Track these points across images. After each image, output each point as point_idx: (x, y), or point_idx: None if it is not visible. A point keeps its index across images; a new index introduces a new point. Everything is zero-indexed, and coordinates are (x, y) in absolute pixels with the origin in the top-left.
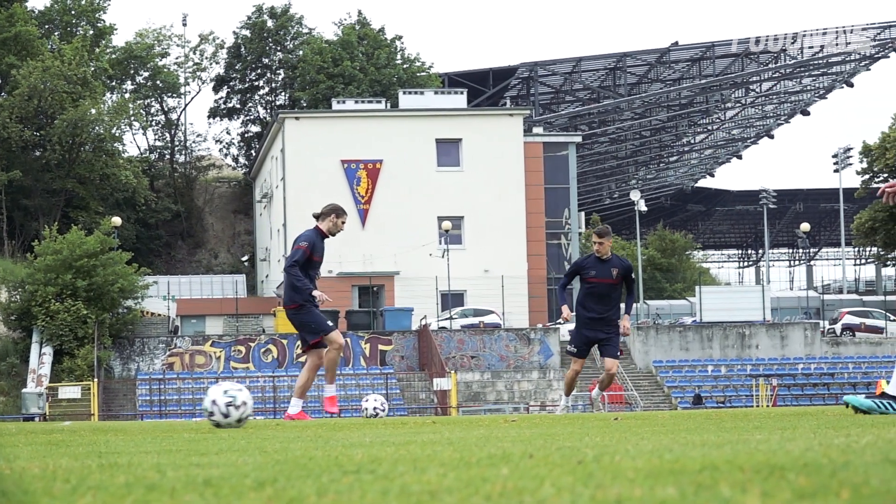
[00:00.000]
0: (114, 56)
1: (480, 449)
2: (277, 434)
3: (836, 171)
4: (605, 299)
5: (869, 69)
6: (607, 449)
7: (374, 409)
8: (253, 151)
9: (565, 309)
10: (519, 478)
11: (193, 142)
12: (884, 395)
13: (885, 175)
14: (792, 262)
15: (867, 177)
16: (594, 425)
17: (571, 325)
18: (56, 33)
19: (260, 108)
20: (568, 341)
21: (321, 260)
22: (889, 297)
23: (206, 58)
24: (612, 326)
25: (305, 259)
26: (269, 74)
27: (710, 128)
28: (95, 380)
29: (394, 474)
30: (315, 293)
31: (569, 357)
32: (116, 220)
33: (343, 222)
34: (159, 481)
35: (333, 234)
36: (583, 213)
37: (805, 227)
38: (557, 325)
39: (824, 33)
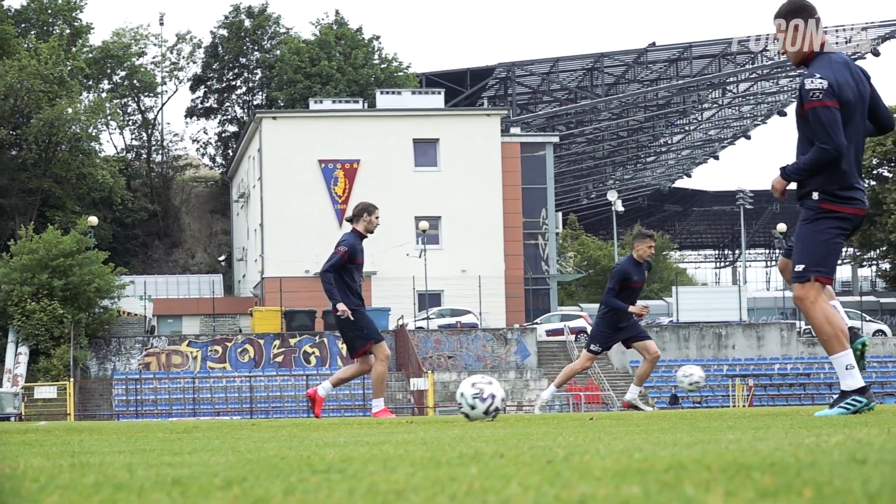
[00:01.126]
0: (90, 55)
1: (453, 448)
2: (252, 434)
3: None
4: (636, 299)
5: None
6: (578, 448)
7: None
8: (230, 151)
9: (638, 308)
10: (486, 477)
11: (170, 141)
12: (843, 394)
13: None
14: (769, 263)
15: None
16: (569, 425)
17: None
18: (32, 32)
19: (237, 108)
20: (588, 338)
21: (363, 262)
22: (864, 298)
23: (183, 57)
24: (631, 319)
25: (343, 263)
26: (246, 74)
27: (687, 128)
28: (71, 380)
29: (363, 474)
30: (338, 306)
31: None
32: (93, 220)
33: (377, 217)
34: (128, 480)
35: (371, 232)
36: (560, 214)
37: (782, 227)
38: (534, 326)
39: None
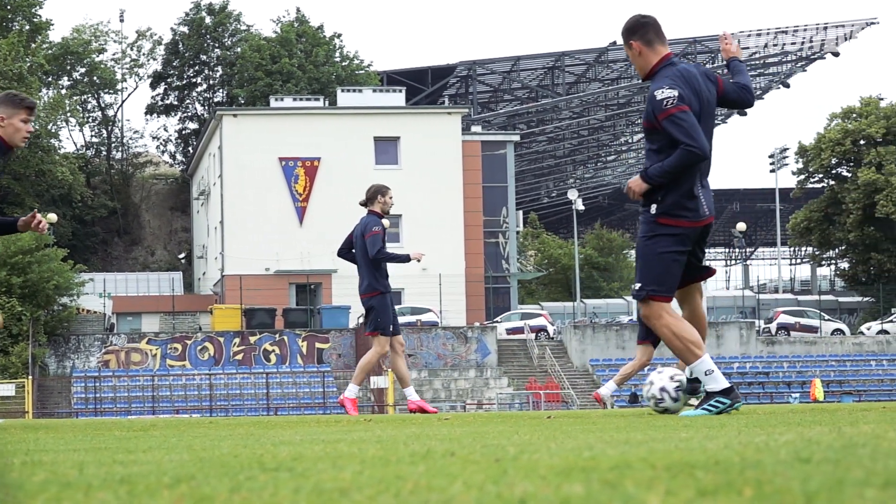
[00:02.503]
0: (50, 52)
1: (406, 447)
2: (209, 432)
3: (772, 171)
4: None
5: (805, 70)
6: (530, 447)
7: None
8: (190, 148)
9: None
10: (433, 475)
11: (130, 138)
12: (708, 395)
13: (821, 175)
14: (728, 262)
15: (803, 177)
16: (526, 423)
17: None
18: None
19: (197, 105)
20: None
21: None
22: (824, 297)
23: (144, 54)
24: None
25: (384, 240)
26: (206, 71)
27: None
28: (30, 377)
29: (311, 472)
30: (411, 255)
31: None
32: (52, 217)
33: (391, 197)
34: (76, 479)
35: (387, 213)
36: (521, 212)
37: (741, 226)
38: (495, 325)
39: (762, 34)
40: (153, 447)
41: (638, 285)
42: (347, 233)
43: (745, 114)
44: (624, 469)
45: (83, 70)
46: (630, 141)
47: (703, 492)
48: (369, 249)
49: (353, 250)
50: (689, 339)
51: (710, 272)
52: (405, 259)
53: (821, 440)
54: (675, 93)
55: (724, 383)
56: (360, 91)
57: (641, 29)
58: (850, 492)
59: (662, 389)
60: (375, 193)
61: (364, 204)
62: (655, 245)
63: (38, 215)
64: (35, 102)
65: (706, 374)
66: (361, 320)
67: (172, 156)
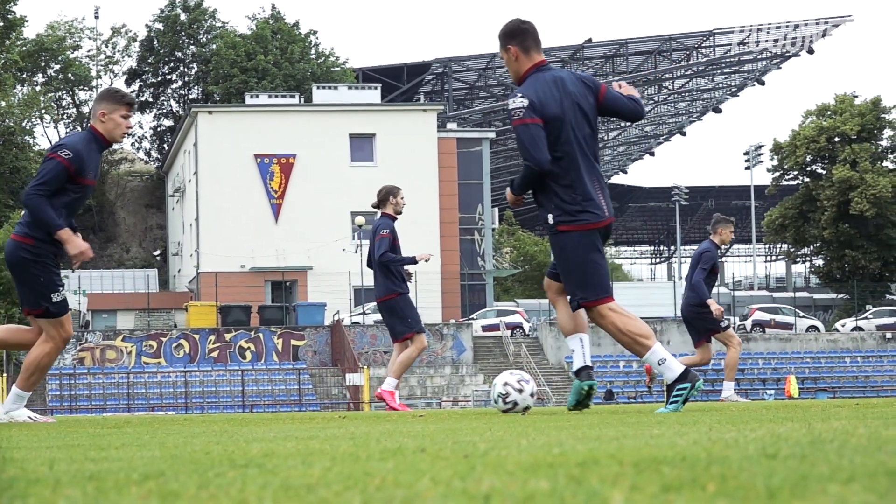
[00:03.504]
0: (24, 48)
1: (378, 443)
2: (183, 429)
3: (747, 168)
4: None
5: (780, 67)
6: (501, 443)
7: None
8: (165, 145)
9: (714, 304)
10: (401, 472)
11: None
12: (668, 388)
13: (796, 172)
14: None
15: (778, 174)
16: (501, 420)
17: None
18: None
19: (173, 102)
20: (712, 322)
21: (399, 243)
22: (798, 294)
23: (119, 51)
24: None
25: (392, 244)
26: (182, 68)
27: (622, 124)
28: (4, 375)
29: (281, 468)
30: (416, 256)
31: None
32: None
33: (402, 198)
34: (46, 475)
35: (400, 213)
36: (496, 209)
37: None
38: (470, 322)
39: (737, 31)
40: (126, 444)
41: (574, 296)
42: (323, 229)
43: (719, 110)
44: (591, 465)
45: (58, 67)
46: (605, 138)
47: (668, 487)
48: (374, 252)
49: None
50: (636, 332)
51: None
52: (412, 261)
53: (789, 436)
54: (525, 102)
55: (678, 368)
56: (335, 88)
57: (521, 35)
58: (813, 487)
59: (505, 384)
60: (387, 195)
61: (376, 206)
62: (571, 253)
63: (88, 251)
64: (135, 99)
65: (660, 364)
66: (336, 317)
67: (147, 153)
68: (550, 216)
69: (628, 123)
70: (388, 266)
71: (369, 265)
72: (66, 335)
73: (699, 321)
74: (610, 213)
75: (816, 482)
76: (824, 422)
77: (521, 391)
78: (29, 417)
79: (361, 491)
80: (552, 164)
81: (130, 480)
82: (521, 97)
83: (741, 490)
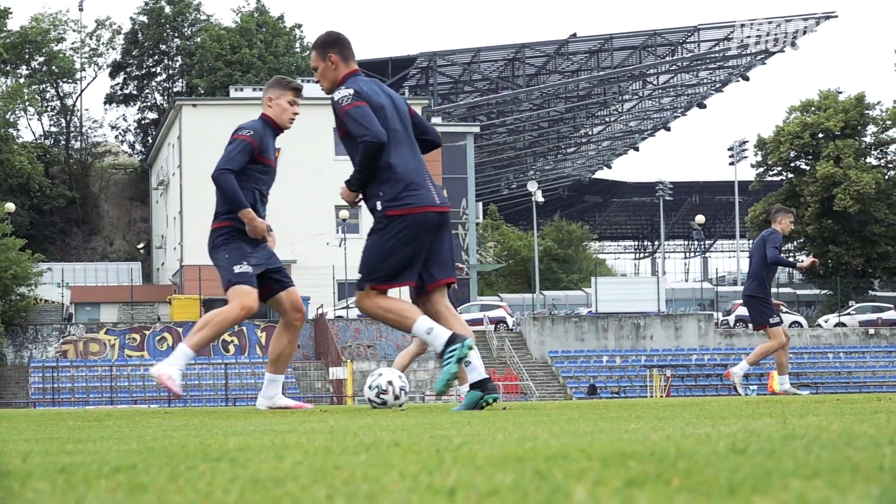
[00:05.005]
0: (8, 40)
1: (354, 437)
2: (164, 422)
3: (731, 163)
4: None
5: (764, 63)
6: (477, 437)
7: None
8: (149, 138)
9: (808, 259)
10: (372, 466)
11: (89, 128)
12: (441, 355)
13: (780, 168)
14: (687, 254)
15: (762, 170)
16: (481, 415)
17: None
18: None
19: (157, 95)
20: (760, 317)
21: None
22: (782, 290)
23: (103, 43)
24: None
25: None
26: (166, 61)
27: (607, 120)
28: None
29: (253, 462)
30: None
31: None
32: (10, 206)
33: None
34: (18, 468)
35: None
36: (480, 204)
37: (700, 219)
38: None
39: (722, 26)
40: (105, 437)
41: (360, 276)
42: (307, 223)
43: (704, 106)
44: (559, 459)
45: (42, 59)
46: (590, 133)
47: (632, 482)
48: None
49: None
50: (397, 310)
51: (449, 281)
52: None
53: (762, 432)
54: (351, 91)
55: (445, 334)
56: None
57: (340, 44)
58: (775, 482)
59: (390, 383)
60: None
61: None
62: (382, 236)
63: (273, 239)
64: (301, 85)
65: (427, 333)
66: (320, 310)
67: (131, 146)
68: (379, 203)
69: (613, 118)
70: None
71: None
72: (244, 306)
73: (753, 311)
74: (443, 201)
75: (780, 477)
76: (801, 417)
77: (396, 397)
78: (171, 378)
79: (328, 484)
80: (385, 152)
81: (101, 473)
82: (346, 88)
83: (704, 485)
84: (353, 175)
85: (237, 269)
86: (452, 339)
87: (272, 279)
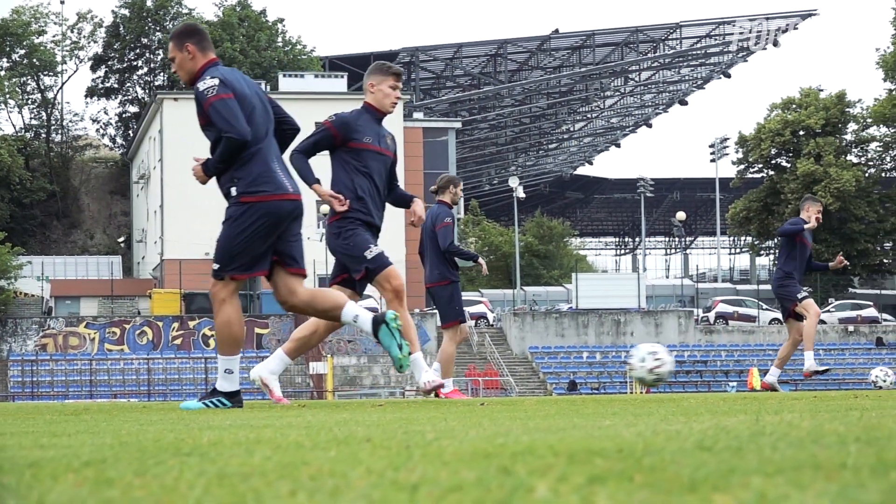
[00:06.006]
0: None
1: (329, 432)
2: (141, 417)
3: (712, 160)
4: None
5: (746, 60)
6: (449, 433)
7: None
8: (130, 132)
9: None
10: (340, 461)
11: (70, 121)
12: (214, 391)
13: (760, 165)
14: (668, 251)
15: (743, 167)
16: (459, 410)
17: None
18: None
19: (138, 89)
20: (788, 296)
21: None
22: (762, 286)
23: (84, 36)
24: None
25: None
26: (147, 54)
27: (589, 116)
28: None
29: (222, 457)
30: (480, 261)
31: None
32: None
33: (461, 189)
34: None
35: (456, 204)
36: (462, 199)
37: (681, 215)
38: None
39: (704, 24)
40: (80, 431)
41: (216, 266)
42: None
43: (685, 103)
44: (526, 455)
45: (23, 52)
46: (572, 129)
47: (595, 478)
48: (441, 241)
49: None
50: (236, 335)
51: (299, 271)
52: (474, 258)
53: (733, 428)
54: (216, 81)
55: (235, 387)
56: (301, 76)
57: (198, 35)
58: (736, 480)
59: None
60: (448, 183)
61: (434, 192)
62: (238, 224)
63: (337, 203)
64: (402, 70)
65: (225, 372)
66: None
67: (112, 139)
68: (234, 188)
69: (595, 115)
70: (448, 254)
71: (421, 251)
72: (392, 286)
73: (783, 297)
74: (296, 189)
75: (742, 475)
76: (776, 414)
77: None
78: (267, 382)
79: (294, 480)
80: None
81: (70, 468)
82: (211, 77)
83: (666, 482)
84: (212, 164)
85: (369, 254)
86: (233, 396)
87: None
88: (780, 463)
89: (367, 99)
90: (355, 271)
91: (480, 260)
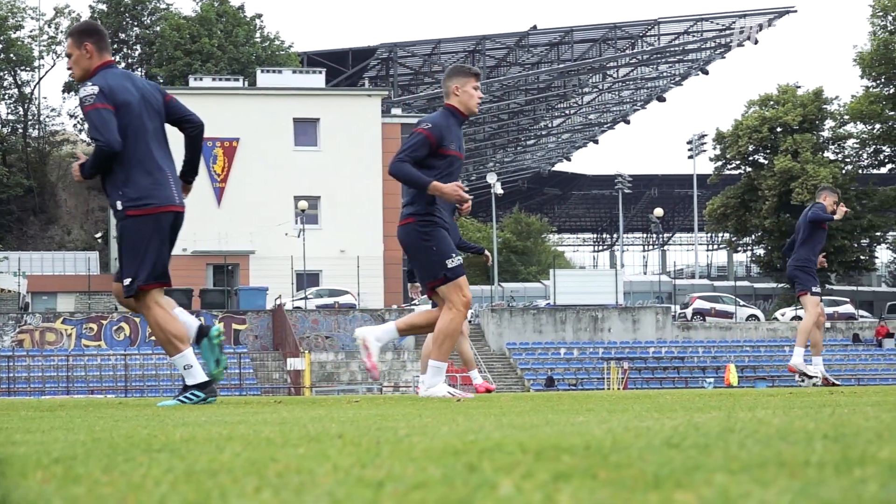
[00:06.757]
0: None
1: (302, 429)
2: (116, 413)
3: (690, 157)
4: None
5: (724, 57)
6: (422, 430)
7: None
8: None
9: (841, 209)
10: (308, 458)
11: (47, 116)
12: (185, 387)
13: (738, 162)
14: (646, 247)
15: (720, 163)
16: (434, 406)
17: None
18: None
19: None
20: (805, 281)
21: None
22: (739, 283)
23: (62, 31)
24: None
25: None
26: (125, 50)
27: (567, 112)
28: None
29: (193, 454)
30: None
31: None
32: None
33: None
34: None
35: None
36: None
37: (659, 212)
38: (413, 304)
39: (682, 20)
40: (54, 427)
41: (128, 280)
42: (266, 213)
43: (663, 99)
44: (494, 452)
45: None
46: (550, 125)
47: (560, 475)
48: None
49: None
50: (173, 332)
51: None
52: (479, 250)
53: (703, 425)
54: (96, 89)
55: (201, 378)
56: (279, 72)
57: (97, 35)
58: (700, 477)
59: None
60: None
61: None
62: (134, 238)
63: (461, 197)
64: (480, 71)
65: (185, 369)
66: (278, 301)
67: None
68: (119, 202)
69: (573, 111)
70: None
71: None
72: (465, 299)
73: (799, 276)
74: (180, 201)
75: (707, 472)
76: (750, 411)
77: None
78: (448, 393)
79: (260, 477)
80: (125, 150)
81: (40, 464)
82: (92, 85)
83: (630, 479)
84: (87, 167)
85: (450, 263)
86: (204, 386)
87: None
88: (745, 460)
89: (452, 102)
90: (431, 278)
91: (486, 252)
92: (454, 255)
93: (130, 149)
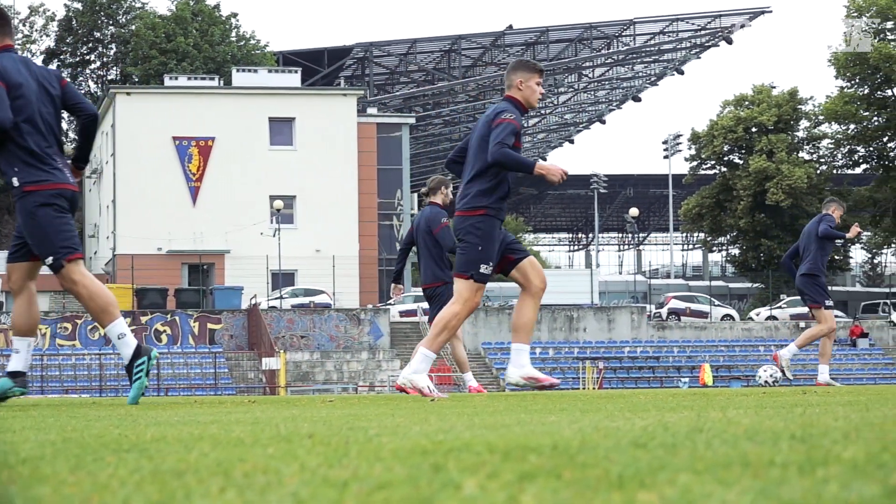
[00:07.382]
0: None
1: (273, 429)
2: (89, 412)
3: (665, 157)
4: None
5: (699, 57)
6: (393, 429)
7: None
8: None
9: (854, 228)
10: (276, 458)
11: None
12: (128, 367)
13: (713, 162)
14: (621, 247)
15: (696, 163)
16: (408, 406)
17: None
18: None
19: (91, 83)
20: (818, 293)
21: None
22: (714, 283)
23: (37, 30)
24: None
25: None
26: (100, 48)
27: (542, 112)
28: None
29: (161, 454)
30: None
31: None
32: None
33: (452, 190)
34: None
35: (447, 205)
36: (415, 195)
37: (634, 212)
38: (389, 304)
39: (657, 20)
40: (26, 427)
41: (50, 259)
42: (241, 213)
43: (639, 99)
44: (462, 452)
45: None
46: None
47: (524, 475)
48: (447, 241)
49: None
50: (106, 300)
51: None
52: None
53: (672, 425)
54: None
55: (132, 344)
56: (255, 71)
57: (1, 19)
58: (664, 477)
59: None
60: (439, 185)
61: (426, 195)
62: (36, 217)
63: (559, 173)
64: (544, 67)
65: (119, 338)
66: (254, 301)
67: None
68: (15, 179)
69: (549, 111)
70: (452, 253)
71: (405, 247)
72: (474, 303)
73: (810, 289)
74: (73, 181)
75: (671, 472)
76: (721, 411)
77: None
78: (427, 387)
79: (226, 477)
80: (17, 130)
81: (7, 464)
82: None
83: (594, 479)
84: None
85: (484, 269)
86: (139, 351)
87: (510, 250)
88: (711, 460)
89: (514, 95)
90: (459, 270)
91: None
92: (490, 262)
93: (23, 128)
